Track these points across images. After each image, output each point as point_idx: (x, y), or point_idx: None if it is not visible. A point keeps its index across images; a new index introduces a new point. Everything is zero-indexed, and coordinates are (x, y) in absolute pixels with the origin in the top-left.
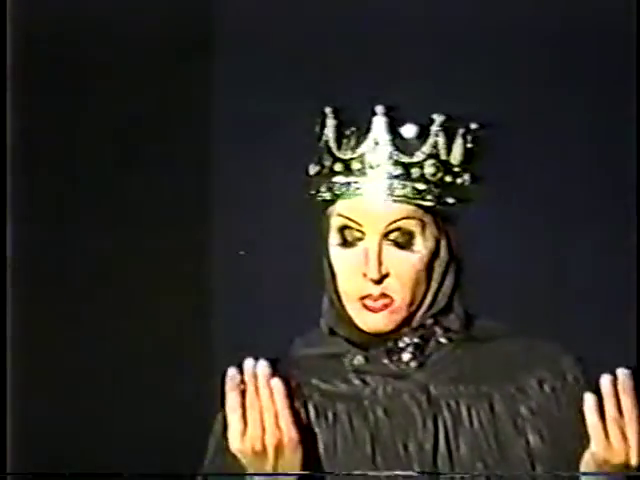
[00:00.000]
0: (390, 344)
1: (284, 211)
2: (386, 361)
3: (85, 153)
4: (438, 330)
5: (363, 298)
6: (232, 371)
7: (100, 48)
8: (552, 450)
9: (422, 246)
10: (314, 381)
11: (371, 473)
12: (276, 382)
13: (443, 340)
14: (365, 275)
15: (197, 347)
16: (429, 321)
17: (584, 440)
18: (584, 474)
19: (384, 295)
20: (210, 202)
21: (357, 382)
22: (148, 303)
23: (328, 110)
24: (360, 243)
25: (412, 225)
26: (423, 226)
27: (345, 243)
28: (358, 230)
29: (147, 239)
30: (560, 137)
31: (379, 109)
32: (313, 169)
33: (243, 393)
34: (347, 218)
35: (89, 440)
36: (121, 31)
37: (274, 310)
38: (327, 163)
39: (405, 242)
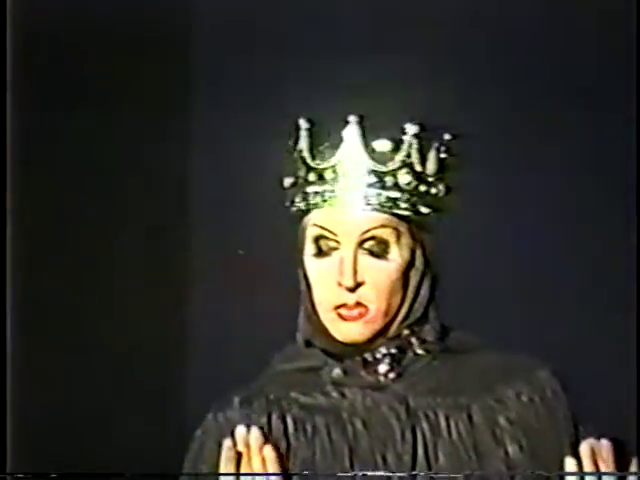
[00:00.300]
0: (367, 355)
1: (260, 223)
2: (363, 373)
3: (85, 153)
4: (414, 341)
5: (338, 307)
6: (228, 442)
7: (99, 47)
8: (531, 460)
9: (397, 255)
10: (293, 394)
11: (371, 473)
12: (268, 450)
13: (420, 351)
14: (340, 284)
15: (193, 348)
16: (405, 332)
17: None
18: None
19: (359, 304)
20: (190, 215)
21: (335, 395)
22: (148, 302)
23: (302, 121)
24: (335, 252)
25: (387, 234)
26: (398, 235)
27: (320, 253)
28: (333, 240)
29: (146, 239)
30: (549, 142)
31: (352, 118)
32: (287, 181)
33: (237, 458)
34: (322, 228)
35: (89, 440)
36: (120, 30)
37: (252, 321)
38: (301, 173)
39: (380, 251)
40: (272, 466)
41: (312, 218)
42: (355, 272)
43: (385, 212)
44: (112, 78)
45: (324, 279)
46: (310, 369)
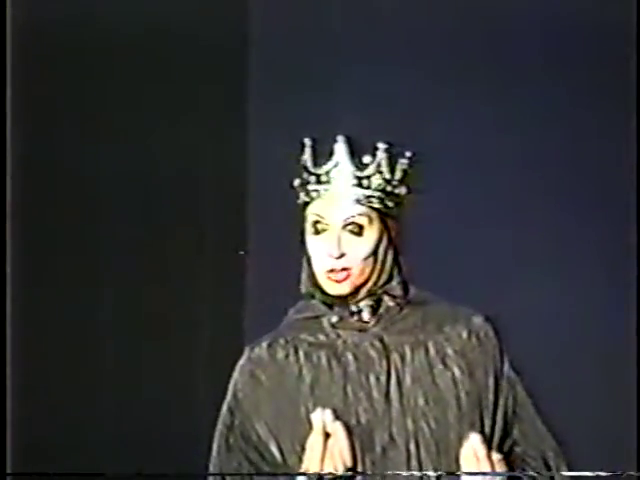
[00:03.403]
0: (353, 307)
1: (279, 214)
2: (352, 320)
3: (85, 150)
4: (387, 297)
5: (328, 272)
6: (319, 423)
7: (98, 44)
8: (469, 380)
9: (370, 234)
10: (302, 336)
11: (371, 473)
12: (337, 425)
13: (391, 304)
14: (330, 255)
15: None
16: (379, 291)
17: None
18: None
19: (345, 269)
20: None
21: (333, 335)
22: (147, 304)
23: (306, 140)
24: (326, 233)
25: (362, 220)
26: (370, 221)
27: (316, 232)
28: (325, 223)
29: (147, 238)
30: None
31: (340, 138)
32: (296, 182)
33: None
34: (317, 215)
35: (88, 440)
36: (121, 27)
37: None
38: (305, 177)
39: (358, 231)
40: (343, 437)
41: (311, 208)
42: (339, 246)
43: (362, 205)
44: (117, 73)
45: (319, 251)
46: (315, 317)
